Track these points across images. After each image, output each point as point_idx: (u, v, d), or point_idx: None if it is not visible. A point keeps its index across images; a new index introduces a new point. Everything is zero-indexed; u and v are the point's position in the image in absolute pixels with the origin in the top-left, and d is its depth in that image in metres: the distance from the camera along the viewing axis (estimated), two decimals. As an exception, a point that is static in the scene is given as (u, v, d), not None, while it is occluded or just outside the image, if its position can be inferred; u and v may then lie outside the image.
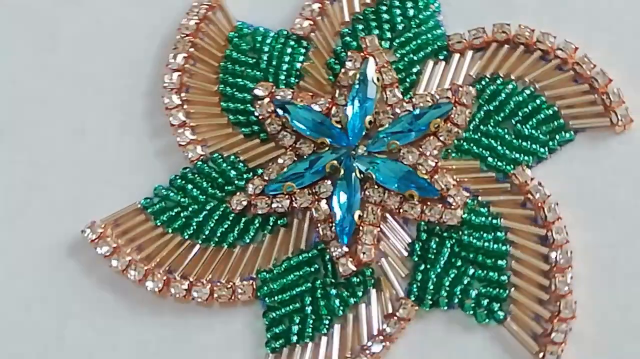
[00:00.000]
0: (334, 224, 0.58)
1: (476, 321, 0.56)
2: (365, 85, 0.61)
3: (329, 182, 0.59)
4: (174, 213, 0.61)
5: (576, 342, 0.54)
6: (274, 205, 0.59)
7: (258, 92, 0.62)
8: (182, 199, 0.62)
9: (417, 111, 0.59)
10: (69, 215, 0.62)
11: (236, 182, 0.61)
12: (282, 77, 0.63)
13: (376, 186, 0.59)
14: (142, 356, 0.59)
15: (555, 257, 0.56)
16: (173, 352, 0.59)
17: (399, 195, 0.58)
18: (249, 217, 0.60)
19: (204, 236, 0.61)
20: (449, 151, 0.60)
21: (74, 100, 0.65)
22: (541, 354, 0.54)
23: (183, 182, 0.62)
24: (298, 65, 0.64)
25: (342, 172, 0.59)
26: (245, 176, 0.61)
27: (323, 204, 0.59)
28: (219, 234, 0.60)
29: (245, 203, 0.60)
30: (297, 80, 0.63)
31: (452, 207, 0.57)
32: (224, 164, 0.62)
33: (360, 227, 0.58)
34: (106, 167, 0.64)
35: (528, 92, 0.60)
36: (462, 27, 0.62)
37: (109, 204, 0.62)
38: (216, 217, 0.61)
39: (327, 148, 0.60)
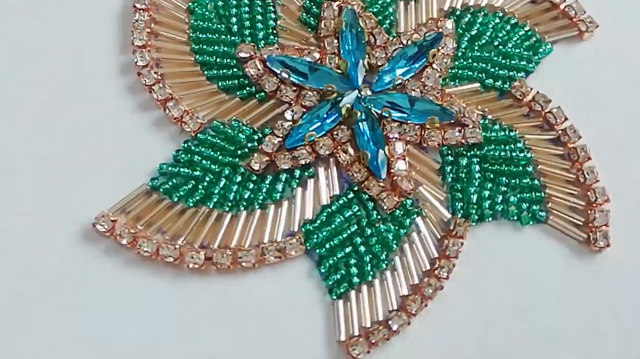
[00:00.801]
0: (365, 164, 0.59)
1: (521, 225, 0.59)
2: (352, 32, 0.62)
3: (345, 127, 0.60)
4: (190, 187, 0.59)
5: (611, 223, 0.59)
6: (297, 158, 0.59)
7: (242, 54, 0.61)
8: (194, 173, 0.59)
9: (412, 44, 0.62)
10: (70, 206, 0.59)
11: (248, 144, 0.60)
12: (261, 36, 0.63)
13: (392, 121, 0.60)
14: (205, 328, 0.57)
15: (575, 154, 0.60)
16: (235, 323, 0.57)
17: (416, 125, 0.60)
18: (273, 176, 0.59)
19: (230, 203, 0.59)
20: (446, 80, 0.63)
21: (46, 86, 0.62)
22: (592, 239, 0.58)
23: (189, 155, 0.60)
24: (272, 23, 0.63)
25: (358, 114, 0.60)
26: (255, 136, 0.60)
27: (349, 147, 0.59)
28: (246, 198, 0.59)
29: (266, 162, 0.59)
30: (275, 39, 0.63)
31: (470, 127, 0.60)
32: (229, 130, 0.60)
33: (391, 162, 0.59)
34: (92, 153, 0.60)
35: (500, 15, 0.64)
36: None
37: (106, 192, 0.59)
38: (237, 182, 0.59)
39: (334, 95, 0.61)
